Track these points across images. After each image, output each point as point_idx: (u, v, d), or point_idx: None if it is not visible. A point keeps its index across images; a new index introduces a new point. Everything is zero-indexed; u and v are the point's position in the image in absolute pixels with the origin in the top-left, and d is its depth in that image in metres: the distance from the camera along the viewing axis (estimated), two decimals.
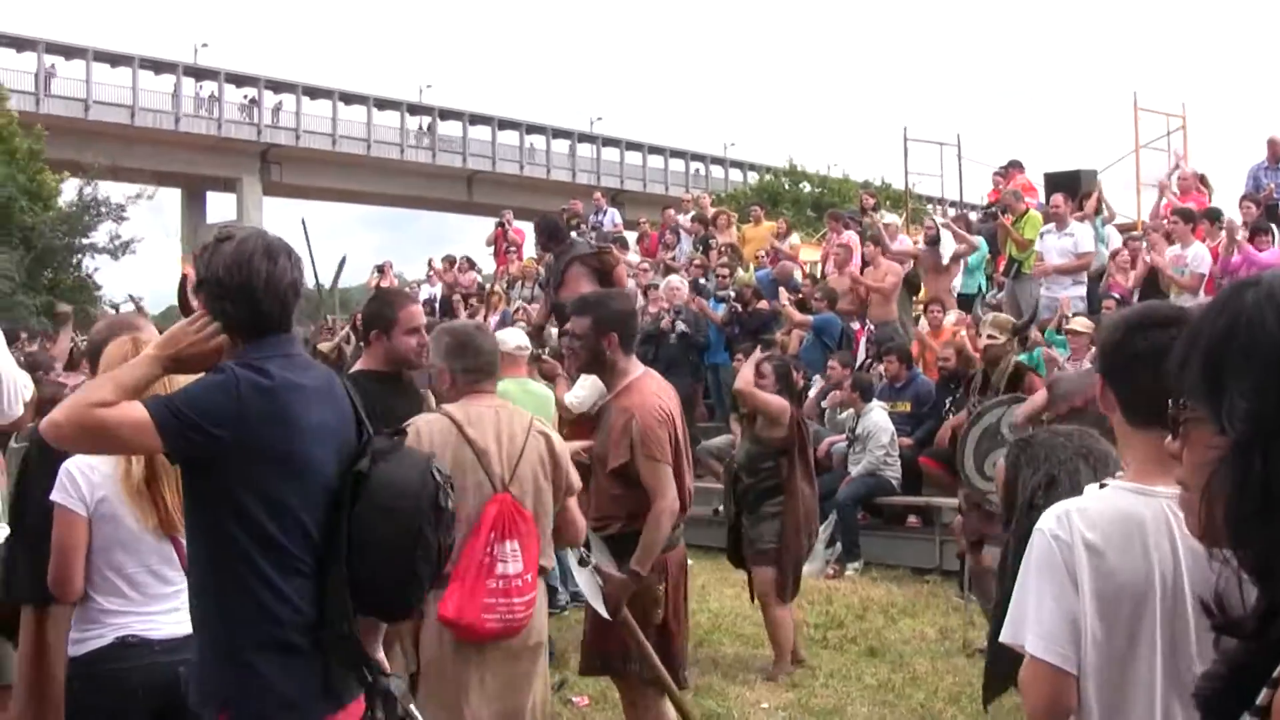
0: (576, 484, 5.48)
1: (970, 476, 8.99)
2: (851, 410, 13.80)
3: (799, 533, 8.95)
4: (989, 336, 9.63)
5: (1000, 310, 14.27)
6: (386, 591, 3.67)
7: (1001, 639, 2.93)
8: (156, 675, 4.53)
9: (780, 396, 9.02)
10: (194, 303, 6.39)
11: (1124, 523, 2.79)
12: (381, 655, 4.23)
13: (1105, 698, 2.81)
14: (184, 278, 8.04)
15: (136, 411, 3.47)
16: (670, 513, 5.96)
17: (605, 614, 6.04)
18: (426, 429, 5.03)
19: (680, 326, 16.97)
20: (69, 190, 40.85)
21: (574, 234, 18.10)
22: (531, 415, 5.39)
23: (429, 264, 25.72)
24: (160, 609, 4.64)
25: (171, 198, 71.14)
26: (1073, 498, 2.97)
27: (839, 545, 13.38)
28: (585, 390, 8.43)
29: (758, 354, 9.16)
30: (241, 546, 3.52)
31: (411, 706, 3.85)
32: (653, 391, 6.11)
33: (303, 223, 9.09)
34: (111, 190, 43.05)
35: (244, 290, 3.64)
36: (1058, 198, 16.68)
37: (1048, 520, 2.85)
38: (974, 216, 21.53)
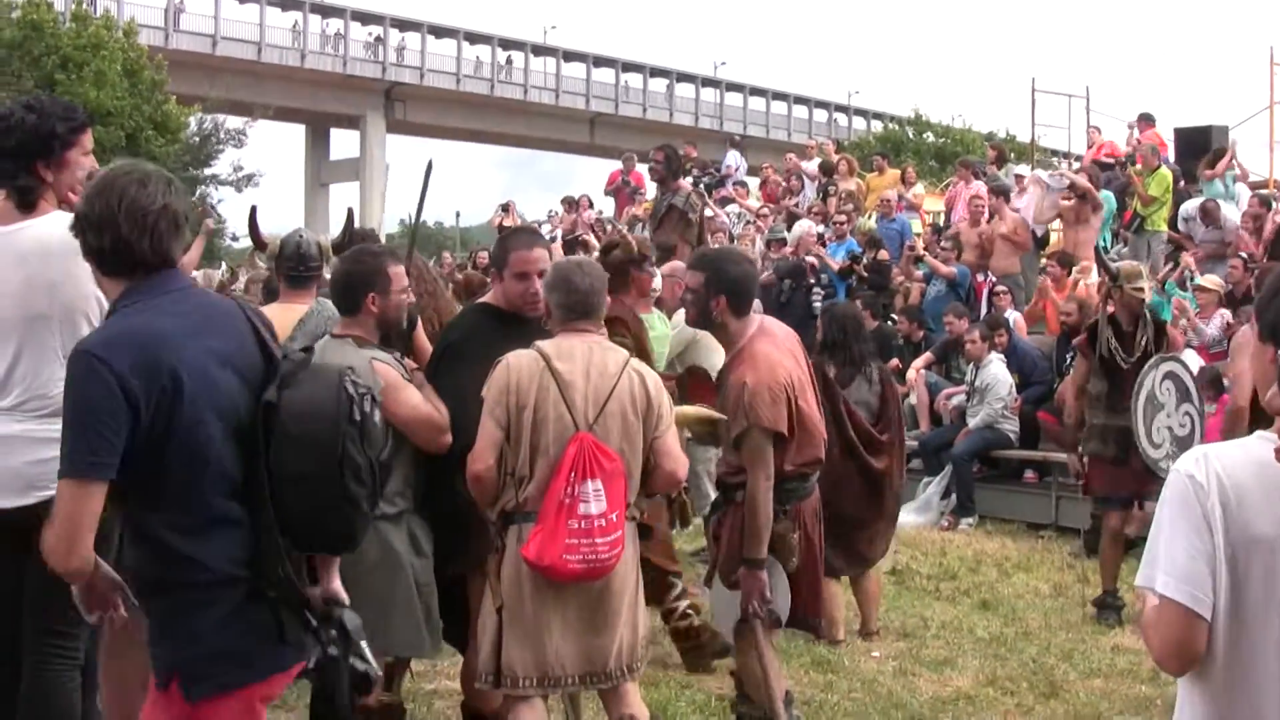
0: (670, 423, 5.28)
1: (1145, 450, 8.73)
2: (972, 363, 13.60)
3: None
4: (1135, 289, 9.16)
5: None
6: (322, 523, 3.52)
7: (1136, 583, 2.86)
8: None
9: None
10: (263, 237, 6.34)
11: (1262, 473, 2.71)
12: (337, 585, 3.82)
13: (1232, 650, 2.75)
14: (254, 209, 8.02)
15: (78, 499, 3.28)
16: (765, 490, 5.75)
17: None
18: (515, 361, 5.01)
19: (787, 284, 16.83)
20: (194, 123, 41.36)
21: (688, 179, 18.02)
22: (629, 354, 5.28)
23: (549, 213, 25.77)
24: None
25: (296, 133, 72.09)
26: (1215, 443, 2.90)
27: (954, 498, 13.33)
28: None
29: None
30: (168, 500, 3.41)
31: (364, 643, 3.68)
32: (767, 359, 5.83)
33: (429, 164, 8.72)
34: (233, 122, 43.69)
35: (109, 221, 3.41)
36: (1210, 202, 16.35)
37: (1185, 461, 2.79)
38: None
